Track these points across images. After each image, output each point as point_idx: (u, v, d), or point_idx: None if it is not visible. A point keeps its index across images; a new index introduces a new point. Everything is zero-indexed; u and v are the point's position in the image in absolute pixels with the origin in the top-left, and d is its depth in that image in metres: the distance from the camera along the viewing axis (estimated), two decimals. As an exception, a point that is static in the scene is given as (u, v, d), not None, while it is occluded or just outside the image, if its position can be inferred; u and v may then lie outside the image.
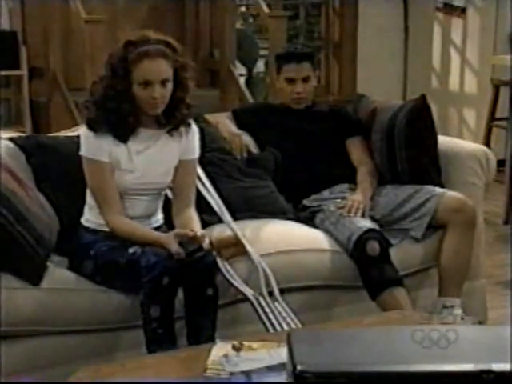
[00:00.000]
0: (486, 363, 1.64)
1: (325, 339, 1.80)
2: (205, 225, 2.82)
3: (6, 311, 2.47)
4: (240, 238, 2.87)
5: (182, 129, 2.75)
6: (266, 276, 2.79)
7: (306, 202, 3.26)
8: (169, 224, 2.79)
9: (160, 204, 2.81)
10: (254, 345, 2.11)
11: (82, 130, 2.72)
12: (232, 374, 1.98)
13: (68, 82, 5.68)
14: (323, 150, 3.35)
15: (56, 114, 5.69)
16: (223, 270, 2.73)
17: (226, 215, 2.99)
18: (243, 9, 7.67)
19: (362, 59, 6.73)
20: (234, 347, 2.09)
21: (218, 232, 2.89)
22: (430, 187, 3.15)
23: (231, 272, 2.75)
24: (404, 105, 3.35)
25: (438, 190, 3.13)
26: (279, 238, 2.98)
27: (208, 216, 2.98)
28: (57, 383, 2.46)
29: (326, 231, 3.08)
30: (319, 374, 1.64)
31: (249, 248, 2.84)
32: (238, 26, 6.87)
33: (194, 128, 2.80)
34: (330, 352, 1.72)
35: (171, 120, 2.70)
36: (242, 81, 6.23)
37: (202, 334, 2.55)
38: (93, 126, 2.64)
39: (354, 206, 3.08)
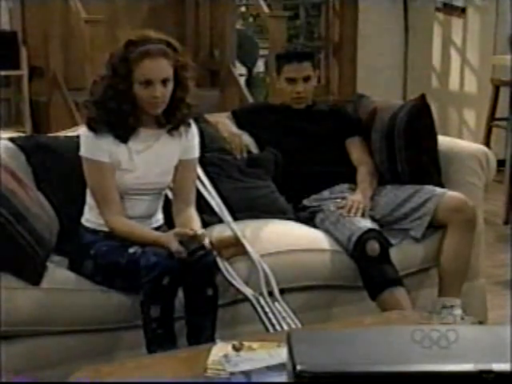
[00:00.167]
0: (486, 363, 1.64)
1: (325, 339, 1.80)
2: (205, 225, 2.82)
3: (6, 311, 2.47)
4: (240, 238, 2.87)
5: (182, 129, 2.75)
6: (266, 276, 2.79)
7: (305, 202, 3.26)
8: (169, 224, 2.79)
9: (160, 204, 2.81)
10: (254, 345, 2.10)
11: (81, 130, 2.72)
12: (232, 373, 1.98)
13: (68, 82, 5.68)
14: (323, 149, 3.35)
15: (56, 114, 5.69)
16: (223, 270, 2.73)
17: (226, 215, 2.99)
18: (243, 9, 7.68)
19: (362, 59, 6.73)
20: (234, 347, 2.09)
21: (218, 232, 2.89)
22: (430, 187, 3.15)
23: (231, 272, 2.75)
24: (404, 105, 3.34)
25: (438, 190, 3.13)
26: (279, 237, 2.98)
27: (208, 216, 2.98)
28: (57, 383, 2.46)
29: (326, 231, 3.08)
30: (319, 374, 1.64)
31: (249, 248, 2.84)
32: (238, 26, 6.88)
33: (194, 128, 2.80)
34: (329, 352, 1.72)
35: (171, 120, 2.71)
36: (242, 81, 6.23)
37: (202, 334, 2.55)
38: (93, 126, 2.64)
39: (354, 206, 3.08)
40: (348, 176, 3.30)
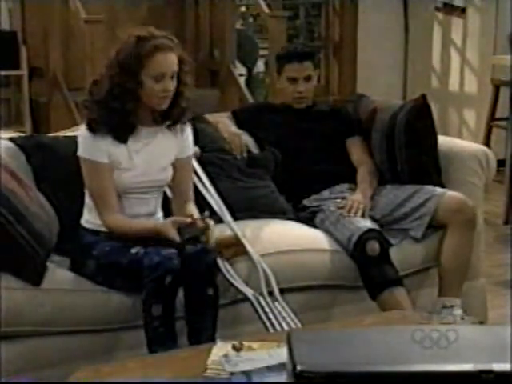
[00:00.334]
0: (486, 363, 1.64)
1: (325, 339, 1.80)
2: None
3: (6, 311, 2.47)
4: (240, 238, 2.87)
5: (178, 126, 2.77)
6: (266, 276, 2.80)
7: (306, 202, 3.26)
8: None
9: (160, 202, 2.82)
10: (254, 345, 2.11)
11: (80, 131, 2.72)
12: (232, 373, 1.98)
13: (68, 82, 5.67)
14: (323, 149, 3.35)
15: (56, 114, 5.68)
16: (223, 270, 2.73)
17: (226, 215, 2.99)
18: (243, 9, 7.68)
19: (362, 59, 6.73)
20: (234, 347, 2.09)
21: (218, 232, 2.89)
22: (430, 187, 3.15)
23: (231, 272, 2.75)
24: (404, 105, 3.34)
25: (438, 189, 3.13)
26: (279, 237, 2.98)
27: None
28: (57, 383, 2.46)
29: (326, 231, 3.08)
30: (319, 374, 1.64)
31: (249, 248, 2.84)
32: (238, 26, 6.87)
33: (189, 127, 2.83)
34: (329, 352, 1.72)
35: (171, 114, 2.72)
36: (242, 81, 6.23)
37: (203, 333, 2.56)
38: (93, 127, 2.64)
39: (354, 206, 3.08)
40: (348, 176, 3.30)
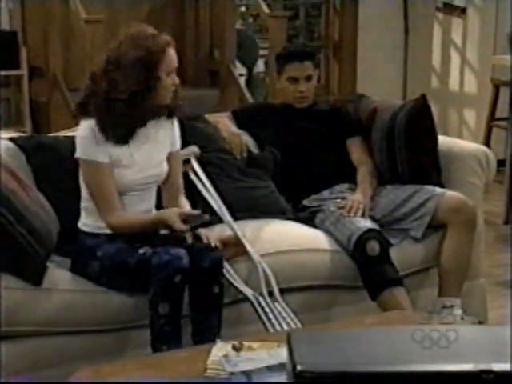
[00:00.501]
0: (486, 363, 1.64)
1: (325, 339, 1.80)
2: (205, 225, 2.82)
3: (6, 311, 2.47)
4: (240, 238, 2.87)
5: (169, 121, 2.81)
6: (265, 276, 2.80)
7: (306, 202, 3.26)
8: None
9: (154, 198, 2.83)
10: (254, 345, 2.11)
11: (78, 132, 2.71)
12: (232, 373, 1.98)
13: (68, 82, 5.67)
14: (323, 149, 3.35)
15: (56, 114, 5.68)
16: (224, 269, 2.73)
17: (226, 215, 2.99)
18: (243, 9, 7.67)
19: (362, 59, 6.73)
20: (234, 347, 2.09)
21: (218, 232, 2.89)
22: (430, 187, 3.15)
23: (231, 272, 2.76)
24: (404, 105, 3.34)
25: (438, 189, 3.14)
26: (279, 237, 2.98)
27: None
28: (57, 383, 2.46)
29: (326, 231, 3.08)
30: (319, 374, 1.64)
31: (249, 248, 2.84)
32: (238, 26, 6.87)
33: (176, 121, 2.87)
34: (329, 352, 1.72)
35: (170, 108, 2.76)
36: (242, 81, 6.23)
37: (208, 331, 2.57)
38: (94, 128, 2.64)
39: (354, 206, 3.08)
40: (348, 176, 3.30)
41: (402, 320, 2.43)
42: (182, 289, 2.50)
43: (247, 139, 3.41)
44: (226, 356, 2.05)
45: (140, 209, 2.74)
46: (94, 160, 2.63)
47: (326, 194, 3.25)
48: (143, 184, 2.73)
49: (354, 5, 6.68)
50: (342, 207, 3.10)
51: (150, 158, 2.73)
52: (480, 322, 3.02)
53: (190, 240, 2.61)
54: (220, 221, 2.98)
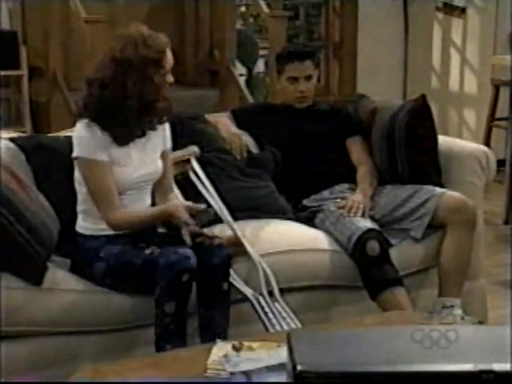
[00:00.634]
0: (486, 363, 1.64)
1: (325, 339, 1.80)
2: (205, 225, 2.82)
3: (7, 311, 2.47)
4: (240, 238, 2.87)
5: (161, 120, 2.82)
6: (265, 276, 2.80)
7: (305, 202, 3.26)
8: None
9: (150, 198, 2.82)
10: (254, 345, 2.11)
11: (76, 132, 2.70)
12: (232, 373, 1.98)
13: (68, 82, 5.67)
14: (323, 149, 3.35)
15: (56, 114, 5.68)
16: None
17: (226, 215, 2.99)
18: (243, 9, 7.66)
19: (362, 59, 6.73)
20: (234, 347, 2.09)
21: (218, 232, 2.89)
22: (430, 187, 3.15)
23: (231, 272, 2.75)
24: (404, 105, 3.35)
25: (438, 189, 3.14)
26: (279, 237, 2.98)
27: (208, 216, 2.98)
28: (57, 383, 2.46)
29: (326, 231, 3.08)
30: (319, 374, 1.64)
31: (249, 248, 2.84)
32: (238, 26, 6.86)
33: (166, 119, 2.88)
34: (330, 352, 1.72)
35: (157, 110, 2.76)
36: (242, 81, 6.23)
37: (217, 328, 2.58)
38: (104, 131, 2.64)
39: (354, 206, 3.08)
40: (348, 176, 3.30)
41: (402, 320, 2.43)
42: (188, 288, 2.51)
43: (247, 139, 3.41)
44: (226, 356, 2.05)
45: (137, 208, 2.74)
46: (94, 159, 2.63)
47: (326, 193, 3.25)
48: (140, 183, 2.73)
49: (354, 5, 6.68)
50: (342, 207, 3.10)
51: (146, 156, 2.74)
52: (480, 322, 3.02)
53: (188, 240, 2.61)
54: (220, 221, 2.98)
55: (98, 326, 2.61)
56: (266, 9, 6.02)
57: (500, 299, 3.60)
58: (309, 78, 3.39)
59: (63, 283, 2.61)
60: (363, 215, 3.06)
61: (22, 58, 5.73)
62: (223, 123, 3.42)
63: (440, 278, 3.09)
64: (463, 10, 6.21)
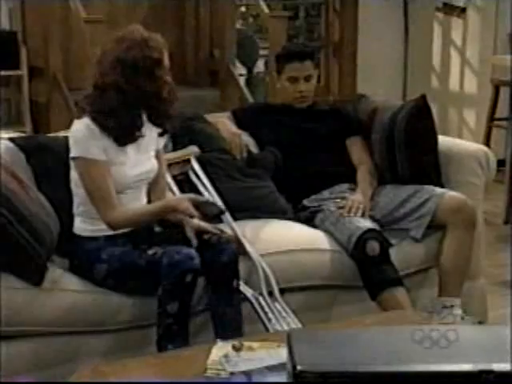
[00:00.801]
0: (486, 363, 1.64)
1: (325, 339, 1.80)
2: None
3: (7, 311, 2.47)
4: (240, 238, 2.87)
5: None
6: (265, 276, 2.80)
7: (306, 202, 3.26)
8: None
9: (145, 197, 2.82)
10: (254, 345, 2.11)
11: (74, 132, 2.69)
12: (232, 373, 1.99)
13: (68, 82, 5.67)
14: (323, 149, 3.35)
15: (56, 114, 5.68)
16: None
17: (226, 215, 2.99)
18: (243, 9, 7.67)
19: (362, 59, 6.73)
20: (234, 347, 2.09)
21: (218, 232, 2.90)
22: (430, 187, 3.15)
23: (232, 271, 2.76)
24: (404, 105, 3.34)
25: (438, 190, 3.13)
26: (279, 237, 2.98)
27: (208, 216, 2.98)
28: (57, 383, 2.46)
29: (326, 231, 3.08)
30: (319, 374, 1.64)
31: (249, 248, 2.84)
32: (238, 26, 6.87)
33: None
34: (330, 352, 1.72)
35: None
36: (242, 81, 6.23)
37: (231, 325, 2.59)
38: (104, 130, 2.64)
39: (354, 206, 3.08)
40: (348, 176, 3.30)
41: (402, 320, 2.43)
42: (192, 288, 2.51)
43: (247, 139, 3.41)
44: (226, 356, 2.05)
45: (136, 207, 2.73)
46: (93, 158, 2.62)
47: (326, 193, 3.25)
48: (137, 181, 2.72)
49: (354, 5, 6.68)
50: (342, 207, 3.10)
51: (141, 154, 2.74)
52: (480, 322, 3.02)
53: (194, 239, 2.61)
54: (220, 221, 2.98)
55: (98, 326, 2.61)
56: (265, 9, 6.02)
57: (500, 299, 3.60)
58: (309, 78, 3.39)
59: (63, 283, 2.61)
60: (363, 215, 3.06)
61: (22, 58, 5.73)
62: (223, 123, 3.42)
63: (440, 278, 3.09)
64: (463, 10, 6.21)
